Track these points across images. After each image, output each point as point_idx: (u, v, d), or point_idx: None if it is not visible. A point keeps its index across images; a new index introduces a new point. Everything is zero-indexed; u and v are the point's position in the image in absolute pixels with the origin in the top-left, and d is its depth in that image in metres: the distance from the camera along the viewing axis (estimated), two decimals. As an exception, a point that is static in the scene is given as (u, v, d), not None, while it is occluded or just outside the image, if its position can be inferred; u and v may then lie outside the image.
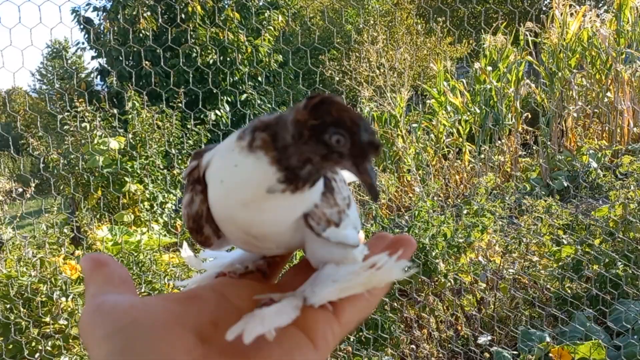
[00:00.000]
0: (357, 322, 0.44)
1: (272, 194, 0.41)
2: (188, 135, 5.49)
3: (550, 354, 2.51)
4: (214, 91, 8.18)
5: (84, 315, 0.39)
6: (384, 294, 0.46)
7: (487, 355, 2.77)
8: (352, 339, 2.87)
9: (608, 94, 6.67)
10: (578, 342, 2.59)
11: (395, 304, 3.09)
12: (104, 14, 11.38)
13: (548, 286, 3.22)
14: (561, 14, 6.67)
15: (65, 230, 3.34)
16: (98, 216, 4.51)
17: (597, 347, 2.52)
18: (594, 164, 5.10)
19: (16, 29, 2.65)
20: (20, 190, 4.17)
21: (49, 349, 2.73)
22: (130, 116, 5.07)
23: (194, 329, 0.38)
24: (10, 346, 2.70)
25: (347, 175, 0.58)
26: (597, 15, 7.06)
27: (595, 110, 6.76)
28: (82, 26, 11.29)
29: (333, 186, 0.45)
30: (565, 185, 5.06)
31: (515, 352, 2.69)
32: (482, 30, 7.46)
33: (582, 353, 2.52)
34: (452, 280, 3.06)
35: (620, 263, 2.95)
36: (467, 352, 2.98)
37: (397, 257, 0.43)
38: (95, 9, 11.68)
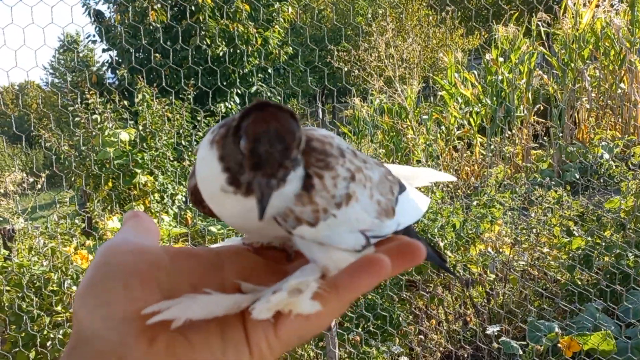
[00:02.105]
0: (296, 341, 0.40)
1: (226, 194, 0.40)
2: (198, 127, 5.51)
3: (559, 345, 2.49)
4: (224, 83, 8.19)
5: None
6: (326, 323, 0.41)
7: (495, 346, 2.76)
8: (360, 329, 2.87)
9: (622, 85, 6.58)
10: (587, 333, 2.57)
11: (404, 295, 3.09)
12: (115, 6, 11.44)
13: (558, 277, 3.20)
14: (574, 4, 6.58)
15: (76, 221, 3.37)
16: (109, 207, 4.54)
17: (607, 338, 2.50)
18: (606, 156, 5.05)
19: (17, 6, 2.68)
20: (32, 180, 4.22)
21: (61, 337, 2.76)
22: (140, 108, 5.10)
23: (165, 287, 0.39)
24: (23, 334, 2.74)
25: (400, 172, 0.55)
26: (611, 5, 6.95)
27: (609, 101, 6.67)
28: (92, 19, 11.37)
29: (314, 184, 0.41)
30: (577, 177, 5.02)
31: (524, 343, 2.68)
32: (495, 21, 7.38)
33: (591, 344, 2.50)
34: (460, 271, 3.05)
35: (631, 254, 2.92)
36: (475, 343, 2.98)
37: (311, 290, 0.39)
38: (106, 1, 11.75)
